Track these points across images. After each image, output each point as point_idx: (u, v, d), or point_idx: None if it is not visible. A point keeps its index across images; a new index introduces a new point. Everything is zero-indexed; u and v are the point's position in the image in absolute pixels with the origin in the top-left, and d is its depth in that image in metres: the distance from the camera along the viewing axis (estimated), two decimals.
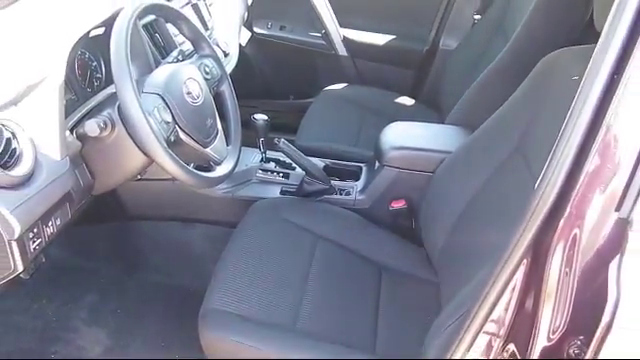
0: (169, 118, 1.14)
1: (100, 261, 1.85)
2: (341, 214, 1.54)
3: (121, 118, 1.12)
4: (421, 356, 1.02)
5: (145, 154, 1.12)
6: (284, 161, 1.71)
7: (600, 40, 0.67)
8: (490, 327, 0.78)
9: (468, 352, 0.80)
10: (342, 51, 2.44)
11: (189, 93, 1.21)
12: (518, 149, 1.18)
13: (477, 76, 1.69)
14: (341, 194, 1.64)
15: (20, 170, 0.95)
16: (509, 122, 1.26)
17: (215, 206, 1.66)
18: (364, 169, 1.73)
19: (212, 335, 1.15)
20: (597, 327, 0.65)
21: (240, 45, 2.14)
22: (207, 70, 1.35)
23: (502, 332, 0.77)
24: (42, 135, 1.01)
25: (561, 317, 0.69)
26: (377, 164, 1.63)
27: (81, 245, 1.82)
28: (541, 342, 0.71)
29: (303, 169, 1.58)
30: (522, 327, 0.75)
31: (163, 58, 1.43)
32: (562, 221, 0.68)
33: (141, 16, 1.17)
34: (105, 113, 1.13)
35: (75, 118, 1.15)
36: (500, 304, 0.76)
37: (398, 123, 1.71)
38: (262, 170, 1.68)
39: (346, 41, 2.43)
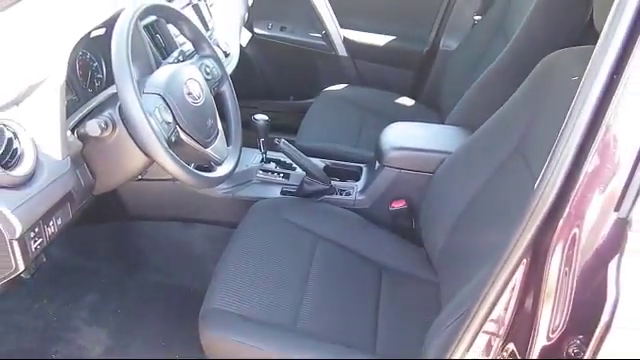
0: (170, 118, 1.14)
1: (101, 261, 1.85)
2: (341, 214, 1.55)
3: (122, 118, 1.12)
4: (421, 356, 1.02)
5: (146, 154, 1.13)
6: (284, 161, 1.71)
7: (599, 40, 0.67)
8: (490, 327, 0.78)
9: (468, 352, 0.80)
10: (342, 52, 2.45)
11: (190, 93, 1.21)
12: (518, 149, 1.18)
13: (477, 77, 1.69)
14: (341, 194, 1.64)
15: (21, 170, 0.95)
16: (509, 122, 1.26)
17: (216, 206, 1.66)
18: (364, 169, 1.74)
19: (213, 335, 1.15)
20: (596, 326, 0.65)
21: (241, 46, 2.15)
22: (208, 70, 1.36)
23: (502, 332, 0.77)
24: (43, 135, 1.02)
25: (560, 316, 0.69)
26: (377, 164, 1.63)
27: (82, 245, 1.82)
28: (540, 341, 0.71)
29: (303, 169, 1.58)
30: (522, 326, 0.75)
31: (164, 59, 1.44)
32: (561, 221, 0.68)
33: (142, 17, 1.17)
34: (106, 113, 1.13)
35: (76, 118, 1.16)
36: (500, 304, 0.76)
37: (398, 123, 1.71)
38: (262, 170, 1.68)
39: (346, 42, 2.43)
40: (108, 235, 1.81)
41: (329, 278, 1.33)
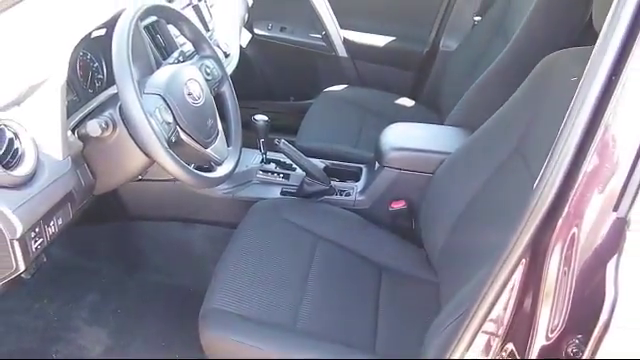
0: (170, 119, 1.15)
1: (101, 261, 1.85)
2: (341, 215, 1.55)
3: (122, 119, 1.12)
4: (421, 356, 1.03)
5: (146, 154, 1.13)
6: (284, 162, 1.71)
7: (598, 41, 0.67)
8: (489, 326, 0.78)
9: (467, 351, 0.80)
10: (342, 52, 2.45)
11: (190, 94, 1.21)
12: (518, 150, 1.18)
13: (477, 77, 1.69)
14: (341, 195, 1.64)
15: (22, 170, 0.95)
16: (509, 123, 1.26)
17: (216, 207, 1.67)
18: (364, 170, 1.74)
19: (212, 335, 1.15)
20: (595, 326, 0.65)
21: (241, 46, 2.15)
22: (208, 71, 1.36)
23: (501, 331, 0.78)
24: (44, 135, 1.02)
25: (559, 316, 0.70)
26: (377, 165, 1.64)
27: (82, 245, 1.82)
28: (539, 341, 0.72)
29: (303, 170, 1.59)
30: (521, 326, 0.75)
31: (164, 59, 1.44)
32: (560, 221, 0.69)
33: (142, 17, 1.17)
34: (107, 114, 1.13)
35: (77, 118, 1.16)
36: (499, 304, 0.76)
37: (398, 124, 1.71)
38: (262, 171, 1.68)
39: (346, 42, 2.44)
40: (108, 235, 1.81)
41: (329, 278, 1.33)
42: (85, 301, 1.74)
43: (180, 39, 1.54)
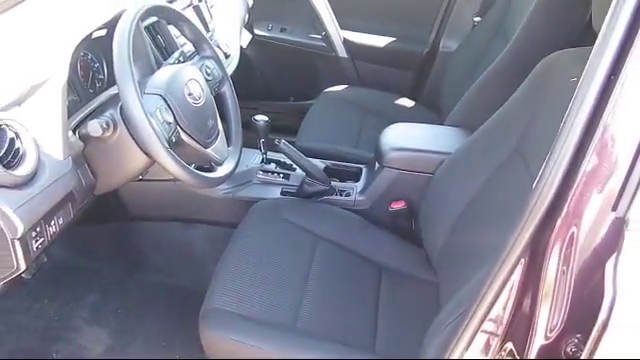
0: (171, 119, 1.15)
1: (102, 261, 1.85)
2: (341, 215, 1.55)
3: (123, 119, 1.13)
4: (420, 355, 1.03)
5: (147, 154, 1.13)
6: (284, 162, 1.72)
7: (597, 41, 0.68)
8: (488, 326, 0.78)
9: (467, 351, 0.81)
10: (342, 53, 2.45)
11: (190, 94, 1.22)
12: (517, 150, 1.19)
13: (477, 78, 1.69)
14: (341, 195, 1.64)
15: (23, 170, 0.96)
16: (508, 123, 1.26)
17: (216, 207, 1.67)
18: (364, 170, 1.74)
19: (213, 334, 1.16)
20: (594, 325, 0.66)
21: (241, 47, 2.15)
22: (208, 71, 1.36)
23: (500, 331, 0.78)
24: (45, 135, 1.02)
25: (558, 315, 0.70)
26: (377, 165, 1.64)
27: (83, 245, 1.83)
28: (539, 340, 0.72)
29: (303, 170, 1.59)
30: (520, 326, 0.75)
31: (165, 59, 1.44)
32: (559, 220, 0.69)
33: (143, 18, 1.18)
34: (107, 114, 1.14)
35: (78, 119, 1.16)
36: (498, 303, 0.77)
37: (398, 124, 1.72)
38: (263, 171, 1.69)
39: (346, 43, 2.44)
40: (109, 235, 1.82)
41: (329, 278, 1.33)
42: (86, 301, 1.74)
43: (180, 39, 1.55)
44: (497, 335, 0.78)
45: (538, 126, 1.14)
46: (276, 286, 1.26)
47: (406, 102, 2.29)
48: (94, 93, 1.26)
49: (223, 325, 1.16)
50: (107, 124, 1.11)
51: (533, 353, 0.72)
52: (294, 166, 1.69)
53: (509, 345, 0.77)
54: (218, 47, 1.80)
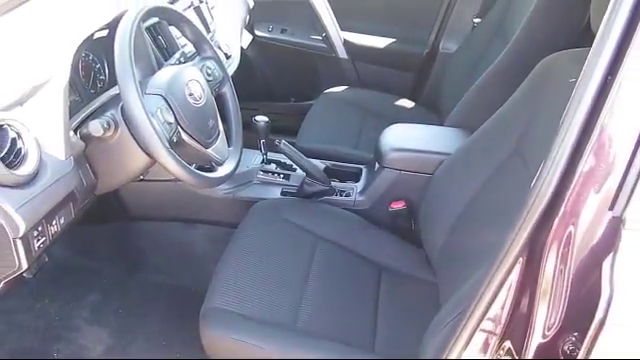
0: (171, 119, 1.15)
1: (102, 261, 1.86)
2: (341, 215, 1.56)
3: (124, 119, 1.13)
4: (419, 353, 1.03)
5: (148, 154, 1.14)
6: (285, 162, 1.72)
7: (595, 42, 0.68)
8: (487, 325, 0.79)
9: (465, 349, 0.81)
10: (342, 54, 2.46)
11: (191, 94, 1.22)
12: (517, 150, 1.19)
13: (477, 79, 1.70)
14: (341, 195, 1.65)
15: (25, 169, 0.96)
16: (508, 123, 1.27)
17: (216, 207, 1.68)
18: (364, 170, 1.75)
19: (213, 334, 1.16)
20: (591, 324, 0.66)
21: (241, 48, 2.16)
22: (209, 72, 1.37)
23: (498, 330, 0.78)
24: (47, 135, 1.03)
25: (556, 314, 0.70)
26: (377, 165, 1.64)
27: (84, 245, 1.83)
28: (536, 339, 0.72)
29: (304, 170, 1.59)
30: (518, 324, 0.76)
31: (166, 60, 1.45)
32: (557, 220, 0.69)
33: (144, 19, 1.18)
34: (108, 114, 1.14)
35: (79, 119, 1.17)
36: (496, 302, 0.77)
37: (398, 125, 1.72)
38: (263, 171, 1.69)
39: (346, 44, 2.45)
40: (110, 235, 1.82)
41: (329, 278, 1.34)
42: (86, 301, 1.75)
43: (181, 40, 1.55)
44: (495, 334, 0.79)
45: (537, 126, 1.14)
46: (276, 286, 1.27)
47: (406, 103, 2.30)
48: (95, 93, 1.26)
49: (224, 324, 1.16)
50: (108, 124, 1.12)
51: (531, 351, 0.73)
52: (294, 166, 1.70)
53: (507, 344, 0.77)
54: (219, 48, 1.81)
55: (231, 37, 2.02)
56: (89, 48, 1.24)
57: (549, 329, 0.71)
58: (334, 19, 2.41)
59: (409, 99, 2.33)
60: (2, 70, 1.00)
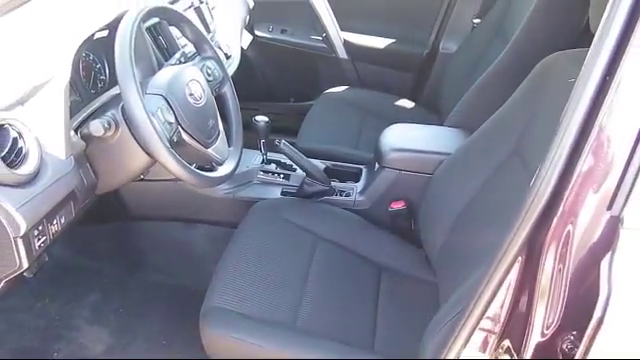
0: (172, 119, 1.16)
1: (103, 261, 1.86)
2: (341, 215, 1.56)
3: (125, 119, 1.14)
4: (419, 352, 1.04)
5: (148, 154, 1.14)
6: (285, 162, 1.72)
7: (593, 42, 0.68)
8: (486, 324, 0.79)
9: (464, 348, 0.81)
10: (343, 54, 2.46)
11: (191, 94, 1.23)
12: (516, 150, 1.20)
13: (476, 79, 1.70)
14: (341, 195, 1.65)
15: (26, 169, 0.97)
16: (507, 124, 1.27)
17: (216, 207, 1.68)
18: (364, 170, 1.75)
19: (213, 333, 1.16)
20: (589, 323, 0.66)
21: (242, 48, 2.16)
22: (209, 72, 1.37)
23: (497, 329, 0.79)
24: (47, 135, 1.03)
25: (554, 313, 0.71)
26: (377, 165, 1.65)
27: (84, 245, 1.83)
28: (535, 338, 0.73)
29: (304, 170, 1.60)
30: (517, 323, 0.76)
31: (166, 60, 1.45)
32: (556, 219, 0.70)
33: (145, 19, 1.18)
34: (109, 114, 1.14)
35: (80, 118, 1.17)
36: (495, 301, 0.77)
37: (398, 125, 1.72)
38: (263, 171, 1.69)
39: (347, 44, 2.45)
40: (110, 235, 1.83)
41: (329, 278, 1.34)
42: (86, 300, 1.75)
43: (182, 40, 1.56)
44: (494, 333, 0.79)
45: (536, 127, 1.15)
46: (276, 285, 1.27)
47: (406, 103, 2.30)
48: (96, 93, 1.27)
49: (224, 323, 1.17)
50: (109, 124, 1.12)
51: (530, 350, 0.73)
52: (294, 166, 1.70)
53: (506, 342, 0.78)
54: (219, 48, 1.81)
55: (231, 37, 2.02)
56: (90, 48, 1.24)
57: (548, 328, 0.71)
58: (334, 19, 2.42)
59: (409, 99, 2.33)
60: (3, 70, 1.00)
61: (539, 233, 0.72)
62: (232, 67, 1.90)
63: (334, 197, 1.64)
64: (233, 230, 1.44)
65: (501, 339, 0.78)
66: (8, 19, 1.07)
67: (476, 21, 2.26)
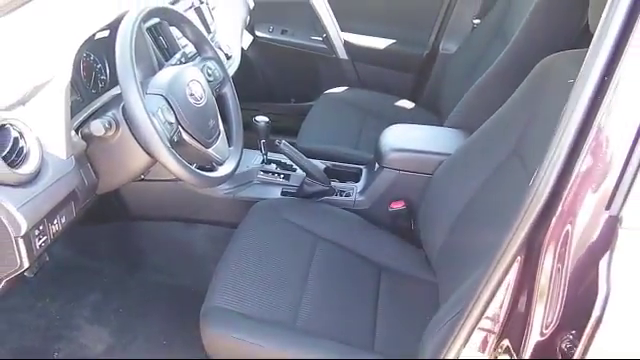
0: (172, 119, 1.16)
1: (103, 261, 1.87)
2: (341, 215, 1.56)
3: (125, 118, 1.14)
4: (418, 352, 1.04)
5: (149, 154, 1.14)
6: (285, 163, 1.73)
7: (592, 42, 0.69)
8: (485, 324, 0.79)
9: (464, 348, 0.82)
10: (343, 55, 2.47)
11: (192, 95, 1.23)
12: (515, 151, 1.20)
13: (476, 79, 1.70)
14: (341, 195, 1.65)
15: (27, 168, 0.97)
16: (507, 124, 1.27)
17: (217, 207, 1.68)
18: (364, 171, 1.75)
19: (213, 332, 1.17)
20: (588, 322, 0.67)
21: (242, 48, 2.17)
22: (210, 72, 1.37)
23: (497, 328, 0.79)
24: (48, 135, 1.03)
25: (553, 313, 0.71)
26: (377, 166, 1.65)
27: (84, 245, 1.84)
28: (534, 337, 0.73)
29: (304, 170, 1.60)
30: (516, 323, 0.76)
31: (166, 60, 1.45)
32: (554, 219, 0.70)
33: (145, 19, 1.19)
34: (110, 114, 1.15)
35: (80, 118, 1.17)
36: (495, 301, 0.78)
37: (398, 125, 1.73)
38: (263, 171, 1.70)
39: (347, 45, 2.45)
40: (110, 235, 1.83)
41: (329, 278, 1.34)
42: (87, 300, 1.75)
43: (182, 41, 1.56)
44: (494, 332, 0.79)
45: (536, 127, 1.15)
46: (276, 285, 1.27)
47: (406, 104, 2.30)
48: (96, 93, 1.27)
49: (224, 323, 1.17)
50: (109, 124, 1.12)
51: (529, 350, 0.73)
52: (294, 167, 1.70)
53: (505, 342, 0.78)
54: (219, 48, 1.81)
55: (232, 38, 2.02)
56: (90, 48, 1.25)
57: (547, 327, 0.72)
58: (334, 20, 2.42)
59: (409, 100, 2.33)
60: (4, 70, 1.01)
61: (538, 233, 0.72)
62: (232, 67, 1.90)
63: (334, 197, 1.64)
64: (233, 230, 1.45)
65: (500, 339, 0.79)
66: (9, 19, 1.07)
67: (476, 22, 2.27)
